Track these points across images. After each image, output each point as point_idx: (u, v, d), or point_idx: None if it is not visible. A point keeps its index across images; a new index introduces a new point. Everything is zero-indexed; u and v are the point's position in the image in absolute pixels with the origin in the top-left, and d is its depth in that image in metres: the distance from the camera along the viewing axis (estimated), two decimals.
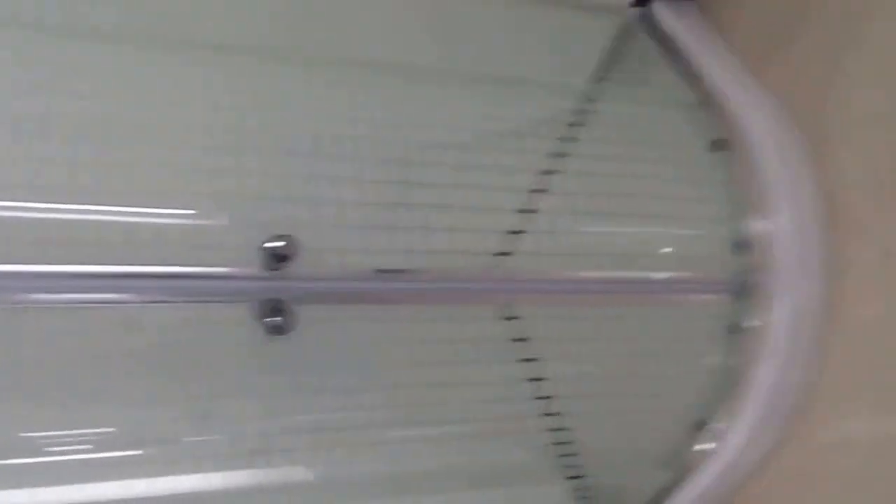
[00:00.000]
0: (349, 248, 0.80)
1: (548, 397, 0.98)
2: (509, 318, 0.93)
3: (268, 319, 0.68)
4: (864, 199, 0.80)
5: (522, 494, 1.04)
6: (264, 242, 0.67)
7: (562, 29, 1.13)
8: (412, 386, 0.92)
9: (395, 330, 0.89)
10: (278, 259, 0.67)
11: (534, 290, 0.91)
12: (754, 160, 0.85)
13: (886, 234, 0.78)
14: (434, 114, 1.01)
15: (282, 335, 0.68)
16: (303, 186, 0.80)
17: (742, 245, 0.85)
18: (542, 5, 1.11)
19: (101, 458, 0.74)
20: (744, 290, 0.84)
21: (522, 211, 0.93)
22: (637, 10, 1.07)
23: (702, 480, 0.89)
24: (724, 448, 0.86)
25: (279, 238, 0.67)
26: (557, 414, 0.99)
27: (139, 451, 0.75)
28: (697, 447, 0.88)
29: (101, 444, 0.74)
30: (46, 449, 0.73)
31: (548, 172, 0.96)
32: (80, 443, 0.74)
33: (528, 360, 0.96)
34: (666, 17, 1.02)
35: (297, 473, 0.87)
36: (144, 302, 0.65)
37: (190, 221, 0.72)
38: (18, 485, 0.74)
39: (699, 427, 0.88)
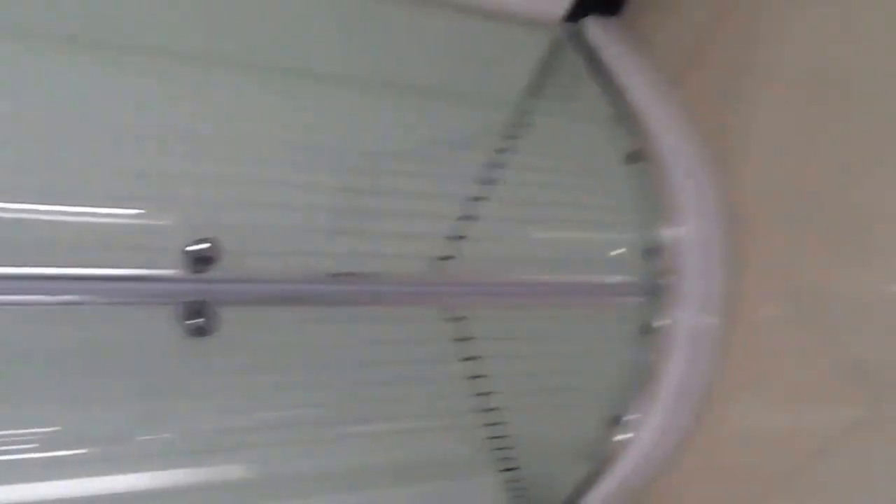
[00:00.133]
0: (290, 252, 0.83)
1: (486, 394, 1.03)
2: (453, 320, 0.99)
3: (189, 321, 0.70)
4: (762, 210, 0.87)
5: (460, 487, 1.10)
6: (188, 246, 0.69)
7: (502, 44, 1.18)
8: (359, 384, 0.96)
9: (346, 331, 0.93)
10: (202, 262, 0.69)
11: (471, 293, 0.95)
12: (665, 172, 0.91)
13: (781, 242, 0.85)
14: (379, 124, 1.05)
15: (204, 336, 0.71)
16: (242, 191, 0.81)
17: (653, 251, 0.91)
18: (482, 21, 1.15)
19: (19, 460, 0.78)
20: (655, 292, 0.90)
21: (462, 218, 0.98)
22: (568, 26, 1.13)
23: (620, 470, 0.95)
24: (640, 438, 0.93)
25: (203, 241, 0.69)
26: (495, 409, 1.05)
27: (66, 452, 0.78)
28: (616, 439, 0.94)
29: (30, 444, 0.77)
30: None
31: (486, 182, 1.01)
32: None
33: (469, 358, 1.01)
34: (594, 33, 1.08)
35: (235, 471, 0.91)
36: (63, 304, 0.66)
37: (114, 221, 0.74)
38: None
39: (617, 420, 0.94)
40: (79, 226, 0.73)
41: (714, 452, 0.91)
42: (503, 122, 1.11)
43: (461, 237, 0.96)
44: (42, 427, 0.78)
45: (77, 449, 0.78)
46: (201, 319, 0.69)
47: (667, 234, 0.89)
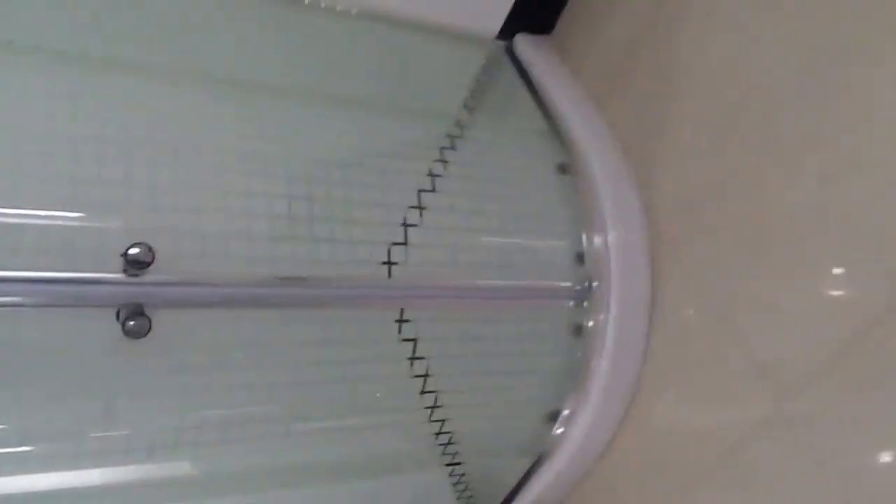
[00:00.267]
0: (231, 257, 0.84)
1: (432, 391, 1.08)
2: (399, 321, 1.03)
3: (128, 323, 0.71)
4: (678, 219, 0.94)
5: (407, 481, 1.15)
6: (127, 249, 0.70)
7: (442, 59, 1.22)
8: (307, 384, 1.00)
9: (296, 333, 0.97)
10: (139, 265, 0.71)
11: (413, 297, 0.99)
12: (592, 183, 0.98)
13: (695, 249, 0.92)
14: (321, 135, 1.09)
15: (140, 338, 0.72)
16: (181, 197, 0.83)
17: (582, 257, 0.97)
18: (423, 36, 1.20)
19: None
20: (584, 295, 0.96)
21: (404, 225, 1.03)
22: (502, 42, 1.19)
23: (557, 462, 1.02)
24: (573, 432, 0.99)
25: (138, 245, 0.71)
26: (440, 407, 1.10)
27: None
28: (551, 433, 1.01)
29: None
30: None
31: (427, 191, 1.06)
32: None
33: (414, 358, 1.06)
34: (524, 49, 1.14)
35: (183, 468, 0.94)
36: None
37: (52, 223, 0.74)
38: None
39: (553, 416, 1.01)
40: (17, 228, 0.73)
41: (643, 447, 0.97)
42: (443, 134, 1.16)
43: (404, 243, 1.01)
44: None
45: (20, 447, 0.80)
46: (134, 322, 0.70)
47: (594, 240, 0.96)
